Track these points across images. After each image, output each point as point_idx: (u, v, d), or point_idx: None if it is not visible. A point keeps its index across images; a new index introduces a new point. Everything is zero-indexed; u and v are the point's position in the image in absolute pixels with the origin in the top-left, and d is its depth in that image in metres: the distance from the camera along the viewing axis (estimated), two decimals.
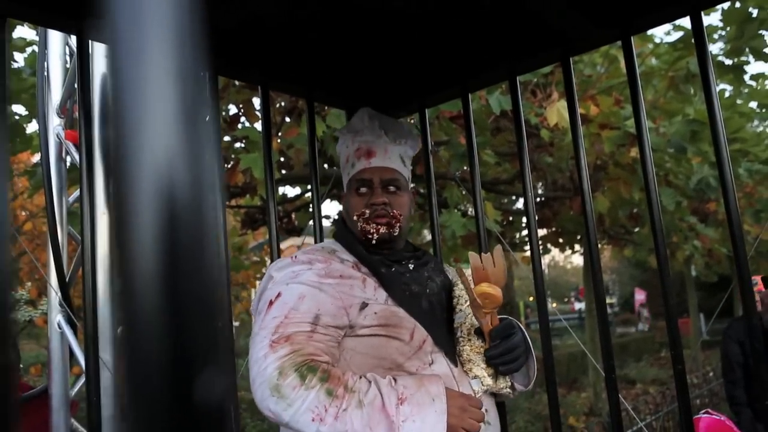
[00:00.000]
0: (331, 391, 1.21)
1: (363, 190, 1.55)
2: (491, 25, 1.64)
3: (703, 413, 2.35)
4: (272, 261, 1.92)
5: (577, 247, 8.72)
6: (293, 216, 6.43)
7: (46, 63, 2.40)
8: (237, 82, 4.04)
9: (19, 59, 3.79)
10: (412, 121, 4.00)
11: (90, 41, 1.54)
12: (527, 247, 8.46)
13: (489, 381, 1.45)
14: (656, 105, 5.00)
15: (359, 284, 1.42)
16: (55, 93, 2.38)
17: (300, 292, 1.36)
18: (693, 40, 1.58)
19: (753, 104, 5.54)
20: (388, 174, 1.55)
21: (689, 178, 5.86)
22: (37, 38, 2.66)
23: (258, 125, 4.36)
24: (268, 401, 1.22)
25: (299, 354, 1.26)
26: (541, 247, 1.98)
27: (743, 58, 4.19)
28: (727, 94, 5.55)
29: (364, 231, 1.51)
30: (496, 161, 5.10)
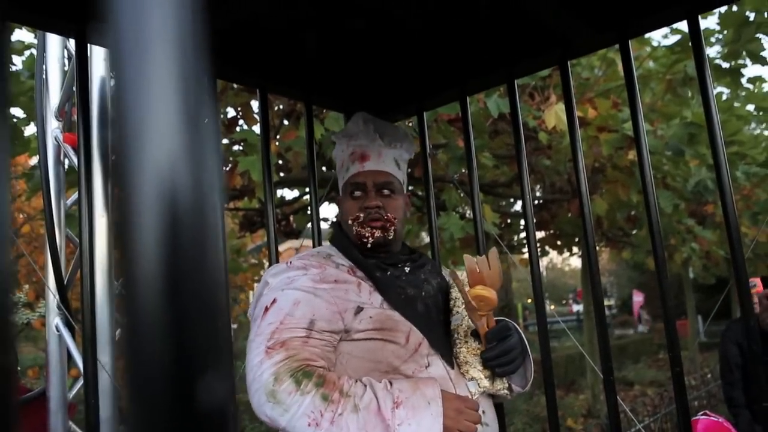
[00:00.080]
0: (326, 396, 1.22)
1: (357, 193, 1.55)
2: (489, 28, 1.65)
3: (701, 415, 2.36)
4: (271, 263, 1.93)
5: (575, 249, 8.72)
6: (291, 218, 6.42)
7: (44, 66, 2.40)
8: (235, 85, 4.04)
9: (18, 62, 3.79)
10: (410, 124, 4.00)
11: (88, 44, 1.54)
12: (525, 250, 8.46)
13: (486, 383, 1.45)
14: (654, 108, 5.01)
15: (354, 288, 1.43)
16: (54, 96, 2.38)
17: (295, 298, 1.36)
18: (690, 44, 1.59)
19: (750, 107, 5.55)
20: (381, 177, 1.55)
21: (687, 181, 5.87)
22: (35, 41, 2.66)
23: (256, 128, 4.36)
24: (264, 407, 1.23)
25: (294, 359, 1.26)
26: (539, 250, 1.99)
27: (740, 62, 4.20)
28: (724, 97, 5.56)
29: (360, 235, 1.51)
30: (494, 164, 5.10)
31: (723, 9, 3.97)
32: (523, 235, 8.02)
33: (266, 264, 2.63)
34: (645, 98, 5.08)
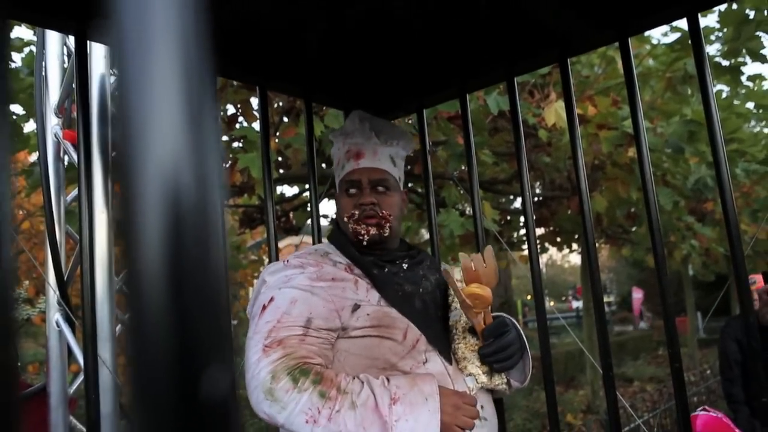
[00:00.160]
0: (323, 393, 1.23)
1: (352, 191, 1.56)
2: (489, 26, 1.65)
3: (701, 411, 2.36)
4: (270, 260, 1.93)
5: (574, 246, 8.72)
6: (291, 215, 6.42)
7: (43, 63, 2.40)
8: (235, 82, 4.04)
9: (17, 59, 3.79)
10: (410, 122, 4.00)
11: (88, 42, 1.54)
12: (525, 246, 8.46)
13: (484, 378, 1.45)
14: (654, 105, 5.00)
15: (351, 286, 1.43)
16: (53, 93, 2.38)
17: (292, 296, 1.37)
18: (690, 42, 1.59)
19: (750, 105, 5.55)
20: (376, 174, 1.55)
21: (687, 178, 5.87)
22: (34, 38, 2.66)
23: (256, 125, 4.36)
24: (262, 404, 1.24)
25: (292, 357, 1.27)
26: (538, 246, 1.99)
27: (740, 59, 4.20)
28: (724, 95, 5.56)
29: (356, 232, 1.52)
30: (493, 161, 5.10)
31: (723, 7, 3.97)
32: (522, 232, 8.02)
33: (266, 260, 2.63)
34: (645, 96, 5.08)
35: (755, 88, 5.27)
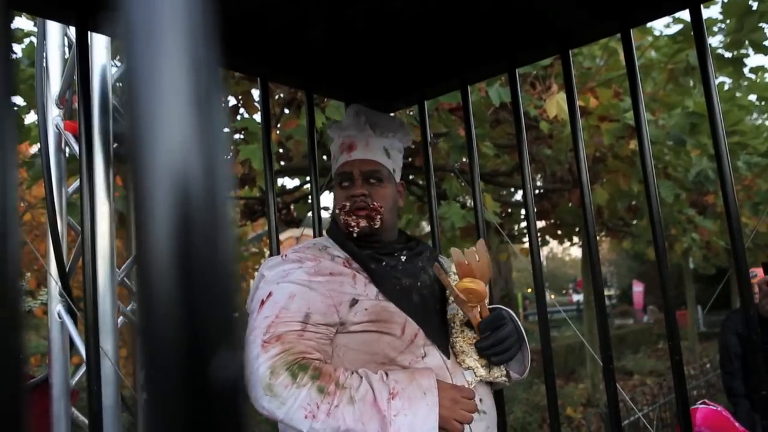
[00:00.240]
0: (322, 389, 1.23)
1: (345, 183, 1.56)
2: (491, 17, 1.64)
3: (701, 404, 2.37)
4: (271, 252, 1.93)
5: (575, 239, 8.73)
6: (292, 207, 6.42)
7: (44, 54, 2.39)
8: (236, 74, 4.03)
9: (17, 50, 3.78)
10: (411, 113, 4.00)
11: (89, 32, 1.54)
12: (526, 239, 8.47)
13: (482, 371, 1.46)
14: (655, 97, 5.00)
15: (349, 281, 1.43)
16: (54, 84, 2.38)
17: (290, 291, 1.37)
18: (692, 33, 1.58)
19: (752, 97, 5.53)
20: (368, 166, 1.55)
21: (688, 171, 5.87)
22: (35, 29, 2.65)
23: (257, 116, 4.35)
24: (261, 400, 1.25)
25: (290, 353, 1.27)
26: (539, 239, 1.99)
27: (743, 51, 4.19)
28: (726, 87, 5.54)
29: (346, 224, 1.52)
30: (495, 153, 5.09)
31: None
32: (523, 224, 8.03)
33: (267, 253, 2.63)
34: (646, 88, 5.07)
35: (758, 80, 5.25)
